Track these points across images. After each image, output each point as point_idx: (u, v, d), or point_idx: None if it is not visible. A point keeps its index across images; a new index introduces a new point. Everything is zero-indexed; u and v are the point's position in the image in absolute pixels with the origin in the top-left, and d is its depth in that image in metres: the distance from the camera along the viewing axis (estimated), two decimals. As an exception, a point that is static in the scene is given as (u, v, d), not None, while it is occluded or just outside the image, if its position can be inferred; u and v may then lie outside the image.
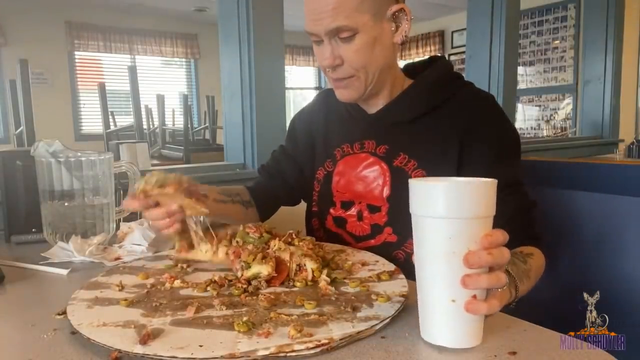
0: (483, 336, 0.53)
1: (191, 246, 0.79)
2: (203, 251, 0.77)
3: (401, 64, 0.98)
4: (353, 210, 0.96)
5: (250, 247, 0.75)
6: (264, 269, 0.70)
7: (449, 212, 0.50)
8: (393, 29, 0.86)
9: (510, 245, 0.53)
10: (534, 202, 0.88)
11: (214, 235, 0.79)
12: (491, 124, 0.88)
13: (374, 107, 0.96)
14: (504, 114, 0.91)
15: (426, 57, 1.01)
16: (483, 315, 0.52)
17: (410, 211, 0.54)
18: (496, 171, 0.78)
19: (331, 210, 0.99)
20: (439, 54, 1.11)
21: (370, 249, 0.87)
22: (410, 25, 0.86)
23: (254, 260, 0.71)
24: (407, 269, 0.71)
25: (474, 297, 0.51)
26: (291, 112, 2.38)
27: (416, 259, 0.54)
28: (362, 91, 0.89)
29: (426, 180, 0.57)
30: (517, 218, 0.82)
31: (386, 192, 0.92)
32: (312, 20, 0.84)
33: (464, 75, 1.00)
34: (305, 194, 1.09)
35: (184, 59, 7.32)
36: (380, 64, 0.87)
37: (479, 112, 0.89)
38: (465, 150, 0.87)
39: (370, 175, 0.93)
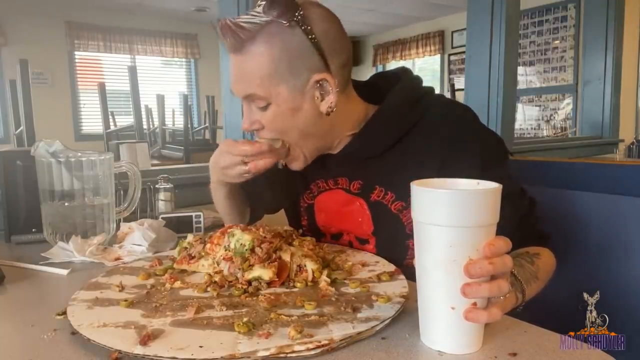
0: (484, 337, 0.53)
1: (192, 258, 0.79)
2: (205, 265, 0.77)
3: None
4: (344, 240, 0.94)
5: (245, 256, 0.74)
6: (265, 274, 0.69)
7: (451, 221, 0.49)
8: (318, 97, 0.79)
9: (514, 246, 0.52)
10: (533, 201, 0.85)
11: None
12: (471, 138, 0.82)
13: (335, 150, 0.89)
14: (482, 124, 0.85)
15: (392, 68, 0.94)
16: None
17: (412, 216, 0.54)
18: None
19: (323, 240, 0.97)
20: (404, 69, 1.00)
21: None
22: (337, 96, 0.79)
23: (251, 266, 0.71)
24: None
25: (474, 304, 0.50)
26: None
27: (417, 265, 0.54)
28: (303, 160, 0.85)
29: (428, 183, 0.56)
30: (518, 225, 0.79)
31: (370, 228, 0.88)
32: (231, 82, 0.81)
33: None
34: (281, 206, 1.08)
35: (184, 59, 7.32)
36: (305, 133, 0.81)
37: (454, 128, 0.82)
38: (446, 170, 0.78)
39: (352, 212, 0.90)
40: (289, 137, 0.82)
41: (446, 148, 0.81)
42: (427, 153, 0.82)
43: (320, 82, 0.78)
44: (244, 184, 1.06)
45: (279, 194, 1.04)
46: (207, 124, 5.31)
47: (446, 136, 0.82)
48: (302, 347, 0.50)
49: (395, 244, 0.85)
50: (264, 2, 0.75)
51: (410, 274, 0.54)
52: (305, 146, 0.84)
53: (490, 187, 0.52)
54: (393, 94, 0.86)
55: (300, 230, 0.89)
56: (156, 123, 5.04)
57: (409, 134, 0.84)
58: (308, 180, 0.97)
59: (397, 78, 0.89)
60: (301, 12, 0.74)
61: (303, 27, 0.75)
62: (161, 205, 1.24)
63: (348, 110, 0.85)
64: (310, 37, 0.75)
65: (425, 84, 0.90)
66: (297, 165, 0.87)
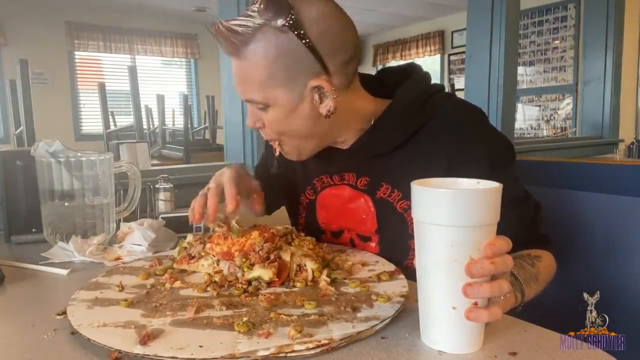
0: (484, 337, 0.53)
1: (192, 258, 0.79)
2: (205, 265, 0.77)
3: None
4: (344, 238, 0.93)
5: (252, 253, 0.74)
6: (265, 274, 0.69)
7: (452, 220, 0.49)
8: (317, 101, 0.77)
9: (517, 250, 0.52)
10: (539, 205, 0.85)
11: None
12: (479, 141, 0.81)
13: (343, 145, 0.88)
14: (492, 127, 0.84)
15: (401, 63, 0.95)
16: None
17: (412, 216, 0.54)
18: None
19: (322, 237, 0.96)
20: (413, 65, 0.98)
21: None
22: (335, 101, 0.77)
23: (251, 266, 0.71)
24: None
25: (475, 304, 0.50)
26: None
27: (418, 265, 0.54)
28: (296, 154, 0.86)
29: (428, 183, 0.56)
30: (523, 231, 0.78)
31: (374, 225, 0.88)
32: (234, 83, 0.81)
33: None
34: (278, 206, 1.08)
35: (184, 59, 7.32)
36: (304, 134, 0.81)
37: (463, 129, 0.81)
38: (453, 171, 0.78)
39: (356, 209, 0.89)
40: (288, 136, 0.82)
41: (454, 149, 0.80)
42: (436, 153, 0.81)
43: (317, 87, 0.76)
44: (239, 184, 1.06)
45: (276, 193, 1.03)
46: (207, 124, 5.31)
47: (455, 137, 0.81)
48: (302, 347, 0.50)
49: (398, 243, 0.85)
50: (257, 3, 0.72)
51: (410, 275, 0.54)
52: (303, 145, 0.84)
53: (491, 187, 0.52)
54: (404, 89, 0.84)
55: (302, 234, 0.89)
56: (156, 123, 5.04)
57: (418, 132, 0.83)
58: (311, 176, 0.96)
59: (406, 73, 0.88)
60: (293, 17, 0.72)
61: (296, 32, 0.72)
62: (161, 205, 1.24)
63: (355, 107, 0.84)
64: (304, 41, 0.72)
65: None
66: (291, 157, 0.88)
